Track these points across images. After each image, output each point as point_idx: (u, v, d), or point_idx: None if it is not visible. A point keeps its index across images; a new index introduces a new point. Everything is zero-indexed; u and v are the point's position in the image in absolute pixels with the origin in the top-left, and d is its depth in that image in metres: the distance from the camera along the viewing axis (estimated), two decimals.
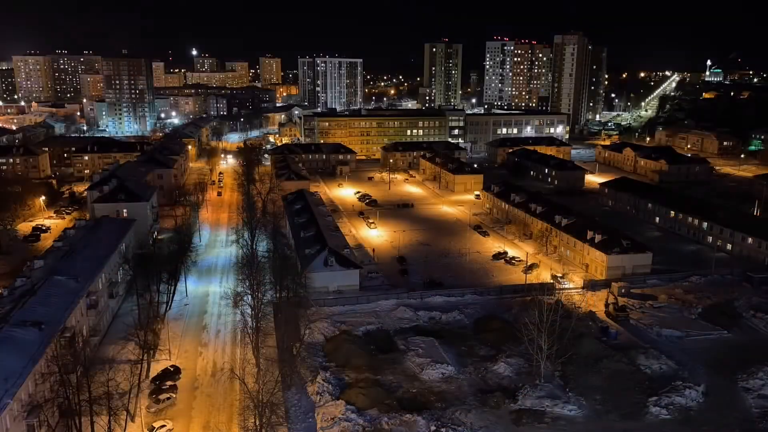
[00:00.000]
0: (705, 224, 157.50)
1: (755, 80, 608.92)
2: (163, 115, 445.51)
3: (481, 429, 77.21)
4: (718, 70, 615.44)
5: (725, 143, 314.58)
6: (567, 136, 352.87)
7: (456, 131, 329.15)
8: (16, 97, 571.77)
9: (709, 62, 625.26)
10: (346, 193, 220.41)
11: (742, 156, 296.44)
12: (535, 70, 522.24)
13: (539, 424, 78.57)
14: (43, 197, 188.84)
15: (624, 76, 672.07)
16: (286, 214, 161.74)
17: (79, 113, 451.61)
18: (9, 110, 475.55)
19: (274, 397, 73.93)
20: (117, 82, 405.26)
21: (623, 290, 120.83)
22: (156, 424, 77.03)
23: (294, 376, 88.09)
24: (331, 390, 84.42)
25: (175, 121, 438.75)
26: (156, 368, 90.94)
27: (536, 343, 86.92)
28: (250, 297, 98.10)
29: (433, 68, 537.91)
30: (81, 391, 69.19)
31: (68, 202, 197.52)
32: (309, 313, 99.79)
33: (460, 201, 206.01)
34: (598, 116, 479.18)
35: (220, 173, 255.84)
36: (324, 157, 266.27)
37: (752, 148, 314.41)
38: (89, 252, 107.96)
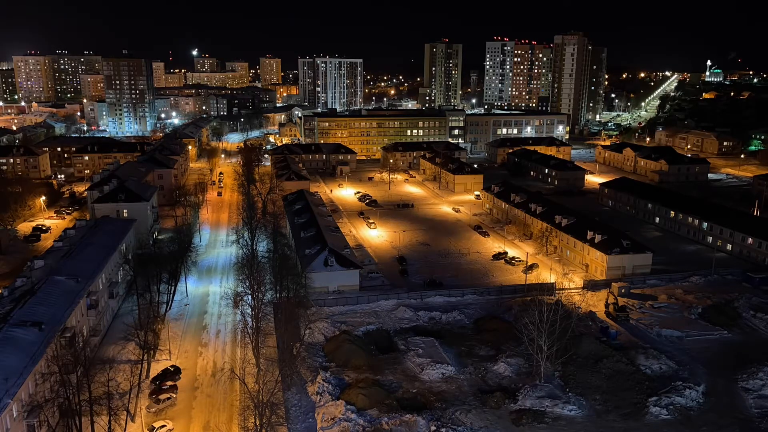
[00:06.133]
0: (705, 224, 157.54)
1: (755, 80, 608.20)
2: (163, 116, 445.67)
3: (481, 429, 77.24)
4: (718, 71, 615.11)
5: (725, 143, 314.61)
6: (567, 137, 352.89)
7: (456, 131, 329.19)
8: (16, 97, 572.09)
9: (709, 62, 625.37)
10: (346, 193, 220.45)
11: (742, 156, 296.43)
12: (535, 71, 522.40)
13: (539, 424, 78.57)
14: (44, 197, 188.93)
15: (624, 76, 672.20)
16: (286, 214, 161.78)
17: (79, 113, 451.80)
18: (9, 110, 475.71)
19: (274, 397, 73.94)
20: (117, 82, 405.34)
21: (623, 290, 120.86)
22: (156, 424, 77.02)
23: (294, 376, 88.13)
24: (331, 390, 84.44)
25: (176, 121, 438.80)
26: (156, 368, 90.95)
27: (536, 343, 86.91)
28: (250, 297, 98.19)
29: (434, 68, 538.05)
30: (81, 391, 69.19)
31: (68, 202, 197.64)
32: (309, 313, 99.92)
33: (460, 201, 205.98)
34: (598, 116, 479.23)
35: (220, 173, 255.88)
36: (324, 157, 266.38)
37: (752, 148, 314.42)
38: (89, 252, 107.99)
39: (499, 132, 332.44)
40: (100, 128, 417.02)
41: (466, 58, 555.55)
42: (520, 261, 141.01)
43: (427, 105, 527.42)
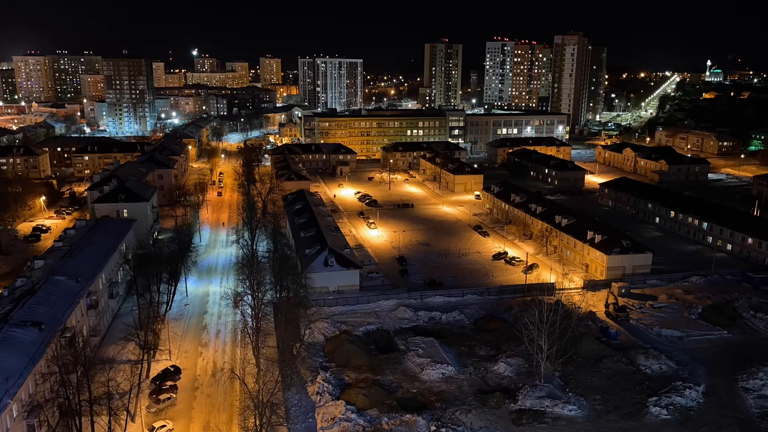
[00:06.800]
0: (705, 224, 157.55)
1: (755, 80, 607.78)
2: (163, 116, 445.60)
3: (481, 429, 77.25)
4: (718, 71, 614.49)
5: (725, 143, 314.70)
6: (567, 137, 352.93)
7: (456, 131, 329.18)
8: (16, 97, 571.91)
9: (709, 62, 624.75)
10: (346, 193, 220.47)
11: (742, 156, 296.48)
12: (535, 71, 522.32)
13: (539, 424, 78.58)
14: (44, 197, 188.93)
15: (624, 76, 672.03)
16: (286, 214, 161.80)
17: (79, 113, 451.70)
18: (9, 110, 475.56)
19: (274, 397, 73.96)
20: (117, 82, 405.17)
21: (623, 290, 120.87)
22: (156, 424, 77.03)
23: (294, 376, 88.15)
24: (331, 390, 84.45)
25: (176, 121, 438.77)
26: (156, 368, 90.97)
27: (536, 343, 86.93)
28: (250, 297, 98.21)
29: (434, 68, 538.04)
30: (81, 391, 69.22)
31: (68, 202, 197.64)
32: (309, 313, 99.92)
33: (460, 201, 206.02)
34: (598, 116, 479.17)
35: (220, 173, 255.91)
36: (324, 157, 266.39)
37: (752, 148, 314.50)
38: (89, 252, 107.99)
39: (499, 132, 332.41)
40: (100, 128, 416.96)
41: (466, 58, 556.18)
42: (520, 261, 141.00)
43: (427, 105, 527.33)
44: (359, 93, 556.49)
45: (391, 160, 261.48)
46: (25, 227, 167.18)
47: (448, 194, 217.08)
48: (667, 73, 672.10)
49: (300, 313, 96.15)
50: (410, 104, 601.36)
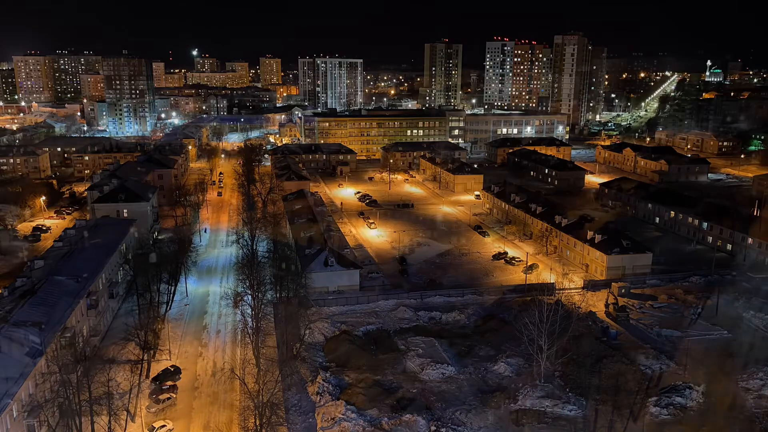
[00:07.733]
0: (705, 224, 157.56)
1: (755, 80, 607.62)
2: (163, 116, 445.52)
3: (481, 429, 77.28)
4: (718, 71, 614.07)
5: (725, 143, 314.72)
6: (567, 137, 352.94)
7: (456, 131, 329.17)
8: (16, 97, 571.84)
9: (709, 62, 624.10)
10: (346, 193, 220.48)
11: (742, 156, 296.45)
12: (535, 70, 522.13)
13: (539, 424, 78.58)
14: (44, 197, 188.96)
15: (624, 76, 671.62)
16: (286, 214, 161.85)
17: (79, 113, 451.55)
18: (9, 110, 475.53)
19: (274, 397, 74.02)
20: (117, 82, 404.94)
21: (623, 290, 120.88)
22: (156, 424, 77.04)
23: (294, 376, 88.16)
24: (331, 390, 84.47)
25: (176, 121, 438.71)
26: (156, 368, 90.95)
27: (536, 343, 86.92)
28: (250, 297, 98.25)
29: (434, 68, 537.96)
30: (81, 391, 69.24)
31: (68, 202, 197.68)
32: (309, 313, 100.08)
33: (460, 201, 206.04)
34: (598, 116, 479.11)
35: (220, 173, 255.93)
36: (324, 157, 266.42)
37: (752, 148, 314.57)
38: (89, 252, 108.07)
39: (499, 132, 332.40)
40: (100, 128, 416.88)
41: (466, 58, 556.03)
42: (520, 261, 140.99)
43: (427, 105, 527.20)
44: (359, 93, 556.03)
45: (391, 160, 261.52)
46: (25, 227, 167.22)
47: (448, 194, 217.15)
48: (667, 73, 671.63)
49: (300, 313, 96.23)
50: (410, 104, 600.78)
